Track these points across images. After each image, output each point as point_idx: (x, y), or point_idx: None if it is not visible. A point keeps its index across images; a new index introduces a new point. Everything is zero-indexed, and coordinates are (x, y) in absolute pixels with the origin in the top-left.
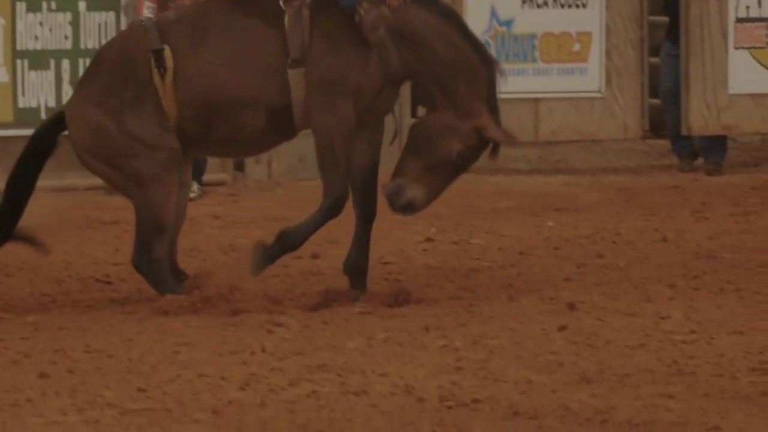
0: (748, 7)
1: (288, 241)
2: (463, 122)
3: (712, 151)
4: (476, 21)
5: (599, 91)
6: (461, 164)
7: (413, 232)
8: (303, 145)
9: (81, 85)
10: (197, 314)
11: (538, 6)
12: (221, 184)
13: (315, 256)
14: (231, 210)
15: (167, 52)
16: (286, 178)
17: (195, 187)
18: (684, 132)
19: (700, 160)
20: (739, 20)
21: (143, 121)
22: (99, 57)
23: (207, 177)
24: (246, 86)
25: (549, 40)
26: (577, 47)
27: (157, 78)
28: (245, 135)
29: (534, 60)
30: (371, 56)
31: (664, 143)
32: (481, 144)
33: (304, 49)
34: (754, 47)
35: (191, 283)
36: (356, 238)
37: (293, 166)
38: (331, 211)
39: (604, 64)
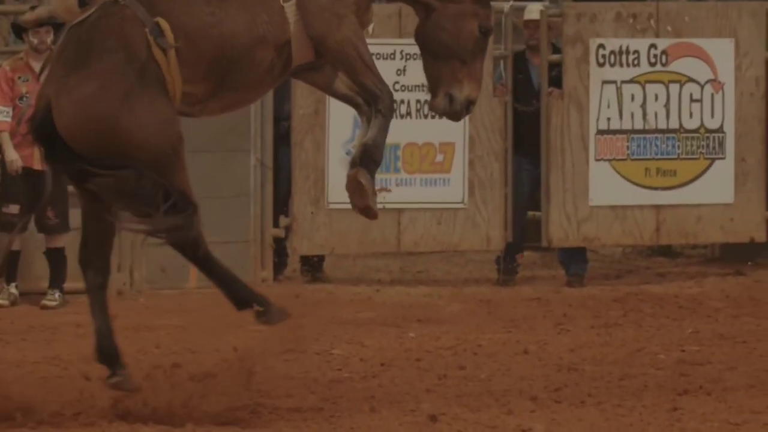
0: (609, 119)
1: (374, 156)
2: (464, 1)
3: (572, 263)
4: (339, 130)
5: (462, 202)
6: (486, 35)
7: (274, 342)
8: (164, 254)
9: (73, 67)
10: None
11: (402, 116)
12: (83, 292)
13: (176, 366)
14: None
15: (164, 25)
16: (147, 287)
17: (56, 295)
18: (544, 243)
19: (560, 272)
20: (600, 132)
21: (153, 108)
22: (87, 39)
23: (68, 285)
24: (252, 26)
25: (412, 150)
26: (440, 158)
27: (158, 53)
28: (254, 77)
29: (397, 170)
30: None
31: (528, 254)
32: (489, 5)
33: None
34: (616, 159)
35: None
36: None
37: (154, 274)
38: (390, 109)
39: (467, 175)
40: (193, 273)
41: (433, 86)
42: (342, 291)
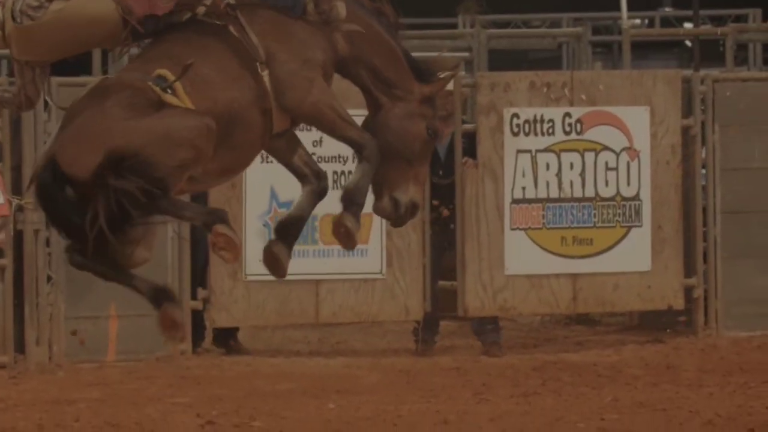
0: (524, 188)
1: (356, 199)
2: (412, 101)
3: (487, 332)
4: (256, 202)
5: (380, 273)
6: (433, 137)
7: (193, 415)
8: (82, 327)
9: (68, 121)
10: None
11: None
12: (2, 366)
13: None
14: (12, 393)
15: (164, 73)
16: (66, 361)
17: None
18: (460, 313)
19: (477, 342)
20: (515, 201)
21: (174, 112)
22: (80, 104)
23: None
24: (246, 86)
25: (329, 221)
26: None
27: (167, 97)
28: (251, 137)
29: (314, 241)
30: (322, 38)
31: (446, 324)
32: (435, 106)
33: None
34: (531, 228)
35: None
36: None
37: (74, 348)
38: (376, 156)
39: (385, 246)
40: (112, 346)
41: (378, 188)
42: (261, 363)
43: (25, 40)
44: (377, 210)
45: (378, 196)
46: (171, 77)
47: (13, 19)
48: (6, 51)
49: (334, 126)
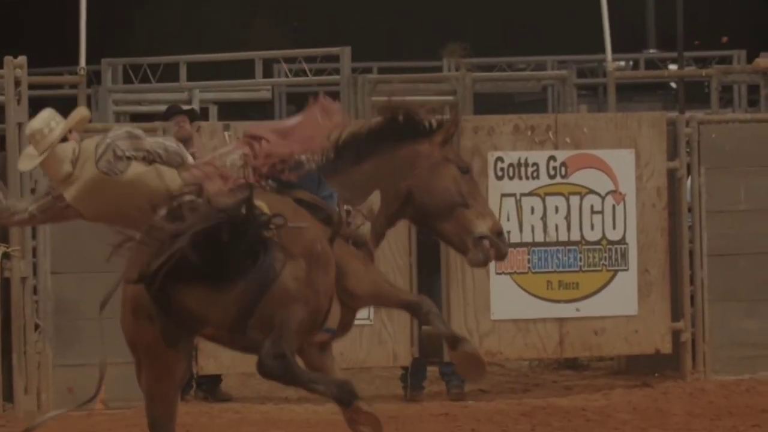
0: (509, 232)
1: (455, 334)
2: (428, 156)
3: (453, 376)
4: None
5: (368, 319)
6: (467, 172)
7: None
8: (71, 376)
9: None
10: None
11: None
12: None
13: None
14: None
15: (261, 204)
16: (56, 409)
17: None
18: (447, 358)
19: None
20: None
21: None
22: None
23: None
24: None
25: None
26: None
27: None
28: (329, 284)
29: None
30: None
31: (432, 370)
32: (452, 146)
33: None
34: (517, 272)
35: None
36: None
37: (63, 397)
38: (434, 305)
39: None
40: (101, 394)
41: (459, 245)
42: (249, 410)
43: (92, 190)
44: (473, 263)
45: (464, 252)
46: (267, 211)
47: (96, 163)
48: None
49: (388, 296)
